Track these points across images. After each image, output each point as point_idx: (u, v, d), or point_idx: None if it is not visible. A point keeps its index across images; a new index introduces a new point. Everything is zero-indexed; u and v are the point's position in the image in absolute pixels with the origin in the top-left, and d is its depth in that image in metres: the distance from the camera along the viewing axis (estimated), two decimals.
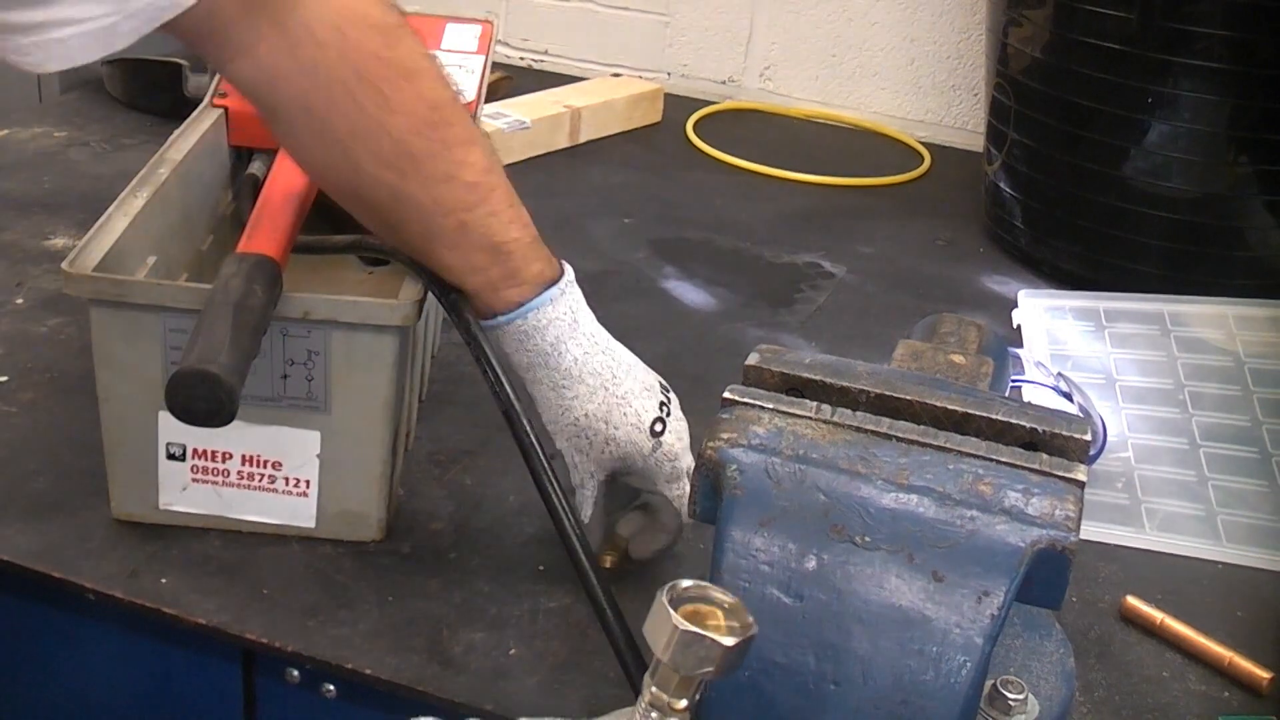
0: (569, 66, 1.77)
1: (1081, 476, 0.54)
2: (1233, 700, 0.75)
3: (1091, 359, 1.07)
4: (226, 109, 0.99)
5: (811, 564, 0.52)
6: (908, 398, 0.57)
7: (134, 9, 0.60)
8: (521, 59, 1.79)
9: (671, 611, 0.44)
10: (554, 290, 0.73)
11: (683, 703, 0.45)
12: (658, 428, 0.75)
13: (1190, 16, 1.10)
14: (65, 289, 0.74)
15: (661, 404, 0.76)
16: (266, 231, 0.77)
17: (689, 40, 1.71)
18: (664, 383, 0.79)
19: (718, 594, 0.46)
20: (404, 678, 0.72)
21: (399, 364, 0.78)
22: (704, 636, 0.43)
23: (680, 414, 0.78)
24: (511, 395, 0.72)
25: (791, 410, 0.57)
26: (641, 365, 0.78)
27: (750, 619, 0.45)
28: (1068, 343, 1.09)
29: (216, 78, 1.03)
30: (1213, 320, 1.10)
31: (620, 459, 0.75)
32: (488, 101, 1.43)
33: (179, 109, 1.11)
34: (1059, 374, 0.97)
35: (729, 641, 0.44)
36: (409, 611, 0.77)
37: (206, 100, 1.01)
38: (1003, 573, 0.51)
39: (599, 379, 0.74)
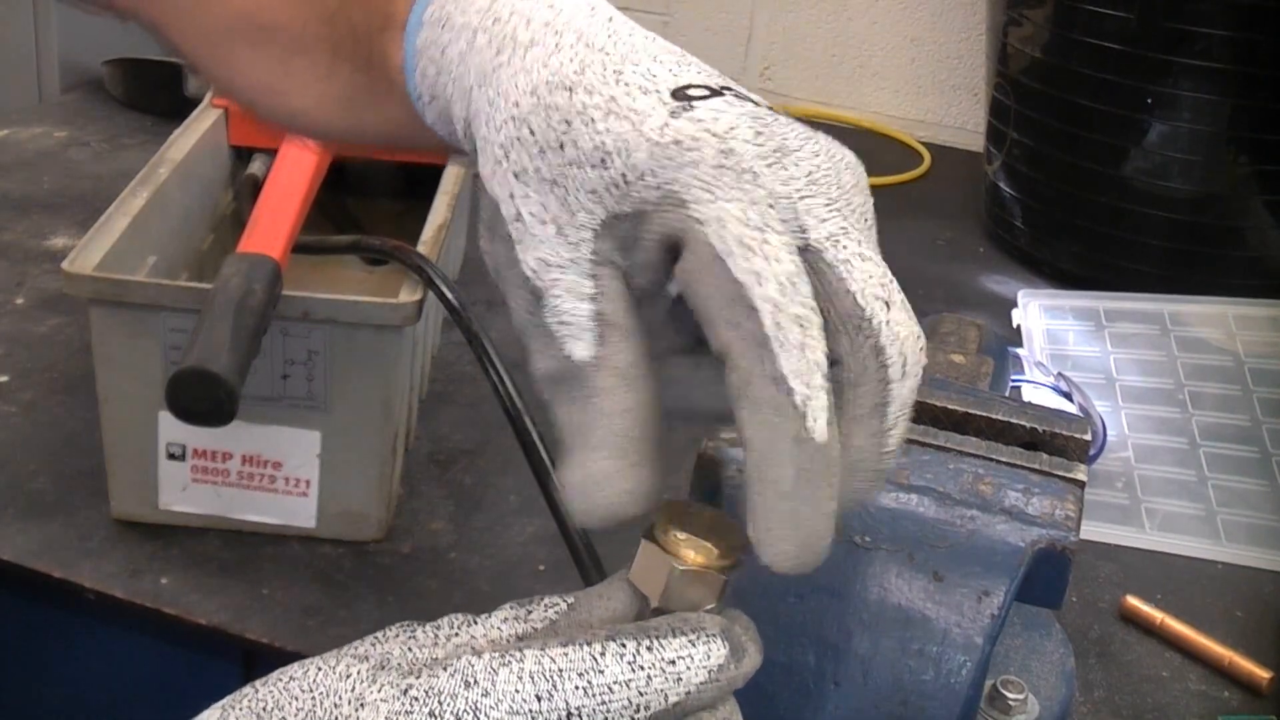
0: None
1: (1081, 476, 0.54)
2: (1233, 700, 0.75)
3: (1091, 359, 1.07)
4: (226, 109, 0.99)
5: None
6: None
7: None
8: None
9: (663, 551, 0.40)
10: None
11: None
12: (693, 93, 0.40)
13: (1190, 16, 1.10)
14: (65, 289, 0.74)
15: (719, 86, 0.41)
16: (266, 231, 0.77)
17: (689, 40, 1.71)
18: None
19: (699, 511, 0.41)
20: None
21: (399, 364, 0.78)
22: (704, 572, 0.40)
23: (764, 117, 0.40)
24: (514, 393, 0.72)
25: None
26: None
27: (741, 540, 0.40)
28: (1068, 343, 1.09)
29: None
30: (1213, 320, 1.10)
31: (605, 156, 0.40)
32: None
33: (179, 109, 1.11)
34: (1059, 374, 0.97)
35: (726, 573, 0.40)
36: (409, 611, 0.76)
37: (206, 100, 1.01)
38: (1003, 572, 0.51)
39: (580, 33, 0.43)
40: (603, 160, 0.40)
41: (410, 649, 0.40)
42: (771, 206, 0.39)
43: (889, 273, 0.40)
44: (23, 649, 0.85)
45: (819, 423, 0.37)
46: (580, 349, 0.40)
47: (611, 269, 0.41)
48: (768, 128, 0.40)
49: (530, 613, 0.41)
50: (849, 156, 0.42)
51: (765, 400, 0.37)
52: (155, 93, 1.43)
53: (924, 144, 1.58)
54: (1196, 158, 1.15)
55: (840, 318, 0.39)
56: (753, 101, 0.42)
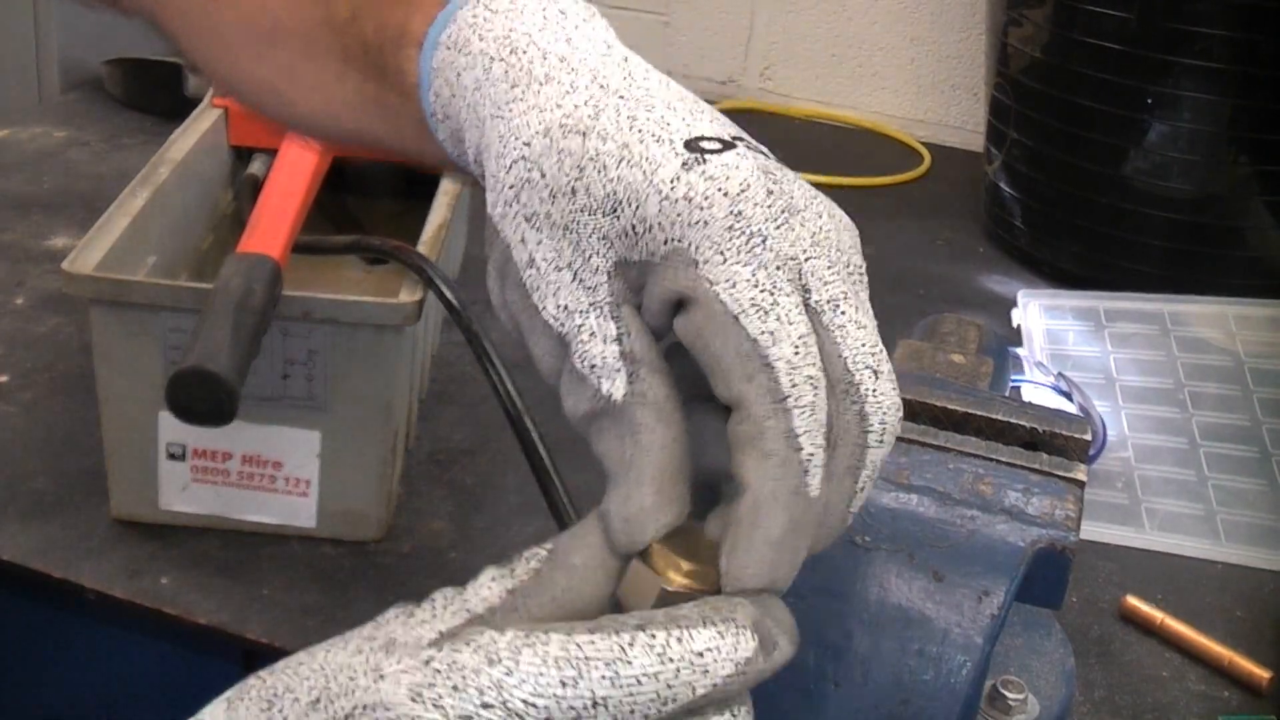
0: None
1: (1081, 476, 0.54)
2: (1233, 700, 0.75)
3: (1091, 359, 1.07)
4: (226, 109, 0.99)
5: (812, 564, 0.52)
6: (908, 397, 0.57)
7: None
8: None
9: (652, 571, 0.40)
10: None
11: None
12: (706, 145, 0.41)
13: (1190, 16, 1.10)
14: (65, 289, 0.74)
15: (730, 138, 0.41)
16: (266, 231, 0.77)
17: (689, 40, 1.71)
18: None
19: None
20: None
21: (399, 364, 0.78)
22: (692, 593, 0.39)
23: (774, 173, 0.41)
24: (514, 393, 0.72)
25: None
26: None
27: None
28: (1068, 343, 1.09)
29: None
30: (1213, 320, 1.10)
31: (616, 204, 0.40)
32: None
33: (179, 109, 1.11)
34: (1059, 374, 0.97)
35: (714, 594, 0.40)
36: None
37: (206, 100, 1.01)
38: (1003, 572, 0.51)
39: (594, 73, 0.43)
40: (614, 209, 0.41)
41: (412, 627, 0.41)
42: (780, 269, 0.40)
43: (879, 341, 0.41)
44: (23, 649, 0.85)
45: (817, 479, 0.39)
46: (615, 389, 0.41)
47: (629, 306, 0.41)
48: (778, 185, 0.41)
49: (514, 569, 0.41)
50: (846, 218, 0.43)
51: (775, 453, 0.39)
52: (155, 93, 1.43)
53: (924, 144, 1.58)
54: (1196, 158, 1.15)
55: (831, 380, 0.40)
56: (763, 154, 0.42)
